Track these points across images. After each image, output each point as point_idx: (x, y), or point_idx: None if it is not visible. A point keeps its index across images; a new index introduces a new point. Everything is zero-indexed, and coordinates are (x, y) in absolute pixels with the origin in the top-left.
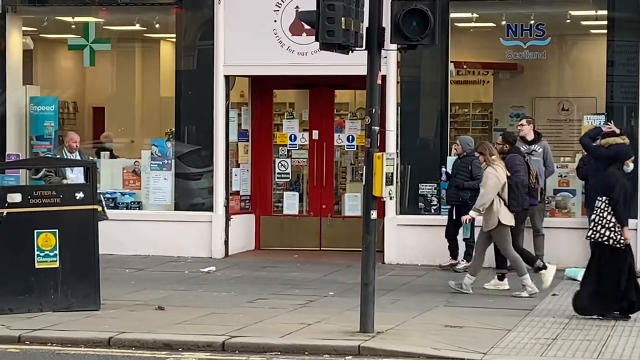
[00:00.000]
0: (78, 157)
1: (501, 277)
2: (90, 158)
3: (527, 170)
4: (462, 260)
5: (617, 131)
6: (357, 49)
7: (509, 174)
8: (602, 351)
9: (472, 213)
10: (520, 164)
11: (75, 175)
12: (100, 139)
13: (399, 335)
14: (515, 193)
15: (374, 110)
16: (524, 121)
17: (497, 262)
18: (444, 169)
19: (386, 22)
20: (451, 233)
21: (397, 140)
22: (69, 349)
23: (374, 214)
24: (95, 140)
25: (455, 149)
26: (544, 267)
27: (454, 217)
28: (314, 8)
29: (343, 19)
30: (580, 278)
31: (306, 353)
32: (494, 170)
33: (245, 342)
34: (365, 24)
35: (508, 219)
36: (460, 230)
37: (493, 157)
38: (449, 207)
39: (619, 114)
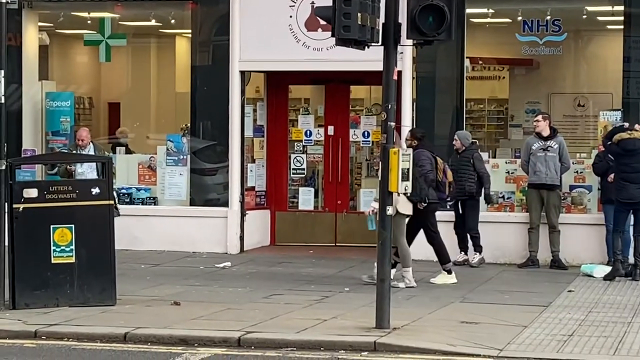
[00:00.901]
0: (91, 152)
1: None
2: (107, 153)
3: (435, 165)
4: (475, 254)
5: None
6: (373, 44)
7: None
8: (619, 348)
9: (374, 204)
10: (425, 159)
11: (83, 170)
12: (115, 134)
13: (415, 331)
14: (414, 183)
15: (390, 106)
16: (539, 117)
17: (439, 257)
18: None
19: (402, 18)
20: (460, 228)
21: None
22: (84, 344)
23: (389, 210)
24: (111, 135)
25: (454, 144)
26: (450, 272)
27: (460, 212)
28: (330, 3)
29: (359, 14)
30: (596, 274)
31: (322, 349)
32: None
33: (261, 338)
34: (382, 19)
35: (405, 208)
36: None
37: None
38: (453, 202)
39: (635, 110)
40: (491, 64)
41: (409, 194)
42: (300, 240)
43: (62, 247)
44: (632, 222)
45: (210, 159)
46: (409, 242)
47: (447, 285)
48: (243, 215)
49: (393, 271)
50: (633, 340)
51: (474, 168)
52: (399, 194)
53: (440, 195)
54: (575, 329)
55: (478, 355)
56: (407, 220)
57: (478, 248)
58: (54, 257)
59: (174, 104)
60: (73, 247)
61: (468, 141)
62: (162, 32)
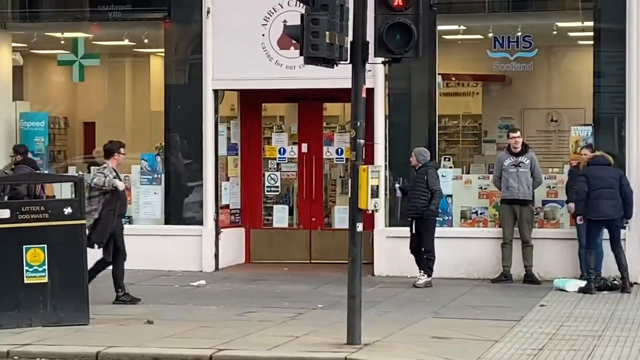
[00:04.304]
0: None
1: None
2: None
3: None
4: (423, 275)
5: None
6: (341, 62)
7: None
8: None
9: None
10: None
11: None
12: (92, 154)
13: (386, 347)
14: None
15: (358, 123)
16: (518, 133)
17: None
18: (397, 185)
19: (370, 36)
20: (416, 246)
21: (385, 153)
22: None
23: (359, 227)
24: (87, 155)
25: (410, 160)
26: None
27: (414, 231)
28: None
29: (327, 33)
30: (569, 289)
31: None
32: None
33: (233, 355)
34: (350, 37)
35: None
36: None
37: None
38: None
39: (607, 125)
40: (464, 80)
41: None
42: (275, 258)
43: (35, 267)
44: (605, 237)
45: (184, 177)
46: None
47: None
48: (218, 233)
49: None
50: (602, 353)
51: (427, 185)
52: None
53: None
54: (545, 343)
55: None
56: None
57: (429, 271)
58: (26, 277)
59: (148, 123)
60: (46, 267)
61: (424, 158)
62: (136, 51)
